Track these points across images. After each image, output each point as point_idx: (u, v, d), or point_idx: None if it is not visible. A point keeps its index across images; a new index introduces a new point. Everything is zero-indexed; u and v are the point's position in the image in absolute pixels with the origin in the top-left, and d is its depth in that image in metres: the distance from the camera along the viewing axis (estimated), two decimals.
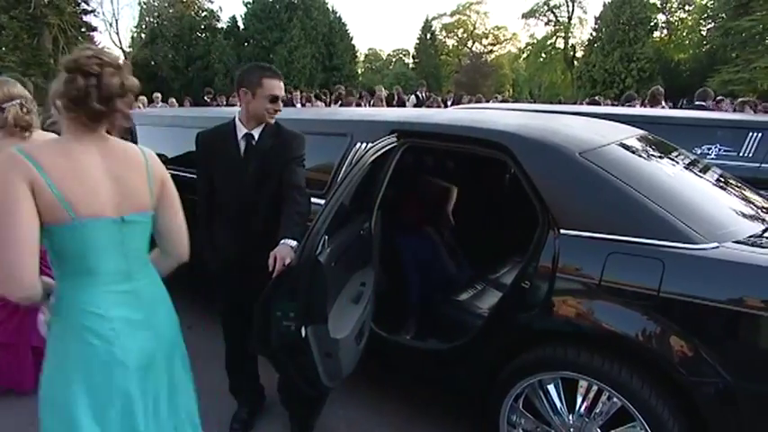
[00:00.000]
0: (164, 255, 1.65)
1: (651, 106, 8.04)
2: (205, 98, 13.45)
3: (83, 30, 27.82)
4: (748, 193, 2.59)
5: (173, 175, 1.65)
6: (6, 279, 1.31)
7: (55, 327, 1.47)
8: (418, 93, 11.68)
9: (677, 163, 2.54)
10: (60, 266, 1.44)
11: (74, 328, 1.43)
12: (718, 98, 9.42)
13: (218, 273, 2.51)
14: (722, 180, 2.61)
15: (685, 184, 2.37)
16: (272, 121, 2.37)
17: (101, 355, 1.42)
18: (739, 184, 2.68)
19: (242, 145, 2.37)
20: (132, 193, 1.48)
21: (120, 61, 1.43)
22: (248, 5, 33.40)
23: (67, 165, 1.37)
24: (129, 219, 1.46)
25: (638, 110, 7.59)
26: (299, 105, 10.69)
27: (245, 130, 2.37)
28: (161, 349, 1.58)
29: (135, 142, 2.41)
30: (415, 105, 11.01)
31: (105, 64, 1.37)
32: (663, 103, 8.18)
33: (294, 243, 2.02)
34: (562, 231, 2.02)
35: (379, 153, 2.31)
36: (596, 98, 15.31)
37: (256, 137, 2.37)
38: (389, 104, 10.68)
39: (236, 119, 2.40)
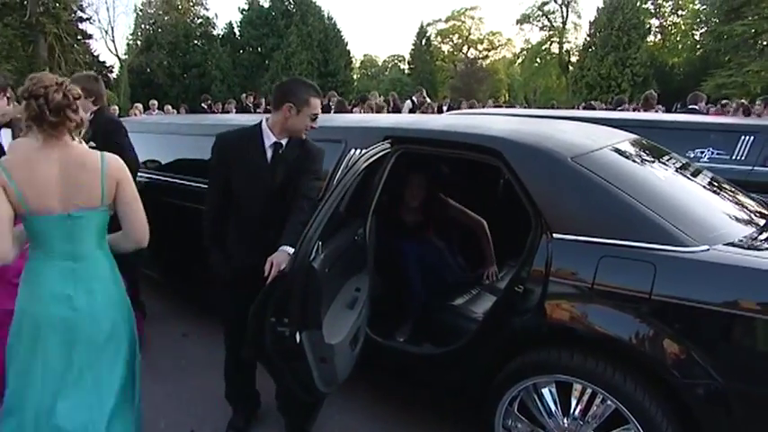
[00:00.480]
0: (124, 237, 2.01)
1: (645, 110, 8.09)
2: (203, 105, 13.48)
3: (78, 37, 27.87)
4: (739, 196, 2.61)
5: (167, 183, 1.68)
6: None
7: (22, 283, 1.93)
8: (414, 98, 11.70)
9: (669, 167, 2.56)
10: (30, 242, 1.90)
11: (28, 284, 1.90)
12: (724, 101, 9.48)
13: (228, 282, 2.43)
14: (713, 183, 2.63)
15: (676, 187, 2.39)
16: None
17: (38, 310, 1.86)
18: (730, 188, 2.70)
19: (269, 153, 2.35)
20: (82, 192, 1.84)
21: (60, 80, 1.82)
22: (244, 13, 33.53)
23: (28, 173, 1.78)
24: (75, 214, 1.84)
25: (631, 114, 7.65)
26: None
27: (274, 139, 2.34)
28: (88, 325, 1.90)
29: (115, 143, 2.88)
30: (411, 110, 11.04)
31: (47, 86, 1.76)
32: (655, 107, 8.24)
33: (292, 250, 2.05)
34: (555, 235, 2.04)
35: (373, 159, 2.32)
36: (591, 103, 15.41)
37: (284, 146, 2.36)
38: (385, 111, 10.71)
39: (264, 126, 2.36)
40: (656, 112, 8.25)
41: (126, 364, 2.00)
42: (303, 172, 2.36)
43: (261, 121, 2.39)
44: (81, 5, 28.06)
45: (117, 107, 14.43)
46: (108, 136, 3.24)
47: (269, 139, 2.35)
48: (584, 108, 12.91)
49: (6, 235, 1.76)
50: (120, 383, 1.97)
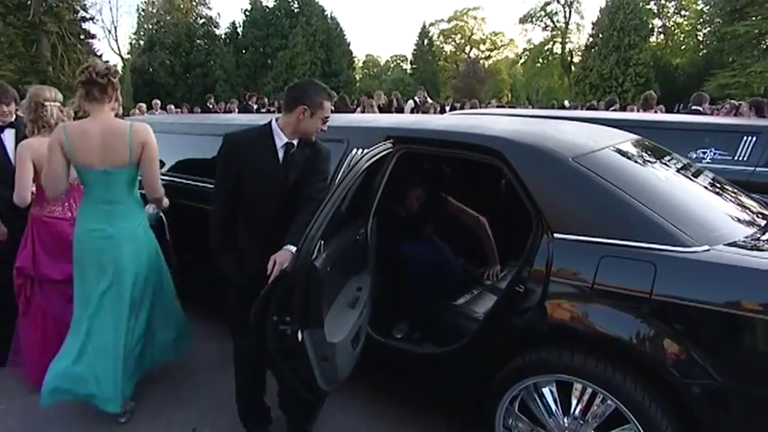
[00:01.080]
0: (147, 194, 2.70)
1: (644, 111, 8.08)
2: (207, 104, 13.54)
3: (81, 37, 27.90)
4: (740, 197, 2.62)
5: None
6: (52, 187, 2.61)
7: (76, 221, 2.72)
8: (416, 98, 11.71)
9: (669, 167, 2.56)
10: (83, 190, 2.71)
11: (78, 221, 2.69)
12: (738, 102, 9.41)
13: (241, 286, 2.34)
14: (714, 184, 2.63)
15: (677, 187, 2.40)
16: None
17: (83, 239, 2.64)
18: (731, 188, 2.70)
19: (281, 153, 2.33)
20: (113, 154, 2.54)
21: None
22: (247, 13, 33.56)
23: (79, 137, 2.51)
24: (110, 170, 2.56)
25: (632, 114, 7.64)
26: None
27: (286, 139, 2.33)
28: (121, 258, 2.62)
29: None
30: (413, 110, 11.05)
31: (90, 63, 2.60)
32: (655, 107, 8.24)
33: (295, 249, 2.06)
34: (555, 235, 2.05)
35: (375, 159, 2.33)
36: (593, 103, 15.38)
37: (295, 146, 2.36)
38: (388, 111, 10.72)
39: (275, 126, 2.34)
40: (656, 112, 8.23)
41: (150, 283, 2.75)
42: (313, 172, 2.37)
43: (271, 122, 2.38)
44: (84, 5, 28.13)
45: (120, 106, 14.46)
46: None
47: (280, 139, 2.33)
48: (587, 109, 12.90)
49: (62, 179, 2.57)
50: (149, 301, 2.76)
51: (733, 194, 2.61)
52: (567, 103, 22.13)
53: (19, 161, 2.91)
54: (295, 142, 2.35)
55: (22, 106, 3.16)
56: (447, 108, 11.88)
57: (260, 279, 2.09)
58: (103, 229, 2.59)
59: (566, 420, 2.04)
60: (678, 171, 2.56)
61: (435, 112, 9.10)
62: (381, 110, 10.89)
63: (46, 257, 3.03)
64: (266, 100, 13.11)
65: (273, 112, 10.43)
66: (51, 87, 3.20)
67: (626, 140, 2.70)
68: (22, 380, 3.16)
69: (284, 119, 2.34)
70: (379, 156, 2.39)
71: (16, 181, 2.92)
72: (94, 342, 2.62)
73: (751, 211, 2.43)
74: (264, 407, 2.64)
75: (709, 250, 1.83)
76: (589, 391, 1.97)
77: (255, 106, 12.62)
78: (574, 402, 2.02)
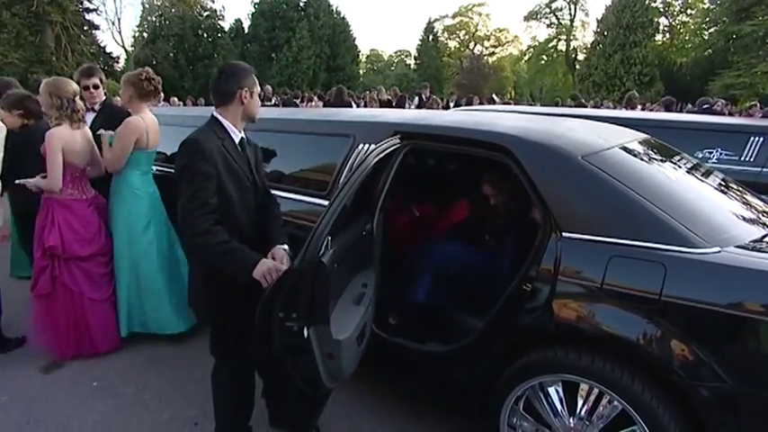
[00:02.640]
0: None
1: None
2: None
3: (85, 28, 27.90)
4: (750, 198, 2.59)
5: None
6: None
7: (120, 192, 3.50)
8: (422, 95, 11.66)
9: (679, 167, 2.54)
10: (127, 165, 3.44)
11: (126, 188, 3.48)
12: (751, 104, 9.35)
13: (244, 288, 2.05)
14: (724, 184, 2.61)
15: (687, 188, 2.37)
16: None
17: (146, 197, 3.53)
18: (741, 189, 2.68)
19: (240, 151, 2.21)
20: (157, 138, 3.51)
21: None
22: (256, 5, 33.43)
23: (151, 126, 3.46)
24: (152, 150, 3.54)
25: (640, 113, 7.60)
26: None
27: (239, 135, 2.21)
28: (157, 204, 3.59)
29: None
30: (418, 106, 11.01)
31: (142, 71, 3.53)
32: (637, 107, 8.21)
33: (287, 247, 2.13)
34: (564, 234, 2.03)
35: (383, 154, 2.31)
36: (582, 101, 15.29)
37: (245, 140, 2.27)
38: (390, 106, 10.68)
39: (225, 122, 2.17)
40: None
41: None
42: (260, 165, 2.34)
43: (215, 118, 2.18)
44: None
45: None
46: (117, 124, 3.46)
47: (236, 135, 2.21)
48: (593, 106, 12.83)
49: (126, 159, 3.38)
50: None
51: (743, 196, 2.58)
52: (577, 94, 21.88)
53: (51, 150, 3.16)
54: (244, 136, 2.26)
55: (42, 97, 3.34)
56: (451, 105, 11.83)
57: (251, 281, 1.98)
58: (154, 191, 3.57)
59: (571, 421, 2.03)
60: (688, 171, 2.54)
61: (438, 108, 9.05)
62: (383, 105, 10.87)
63: (72, 236, 3.30)
64: (270, 89, 13.04)
65: (277, 105, 10.36)
66: (68, 79, 3.46)
67: (635, 139, 2.68)
68: (26, 368, 3.17)
69: (227, 112, 2.18)
70: (388, 151, 2.36)
71: (49, 168, 3.18)
72: None
73: (762, 213, 2.41)
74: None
75: (720, 252, 1.81)
76: (595, 391, 1.95)
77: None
78: (580, 403, 2.00)
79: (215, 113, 2.20)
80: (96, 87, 3.85)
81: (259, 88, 2.25)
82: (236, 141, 2.20)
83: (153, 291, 3.48)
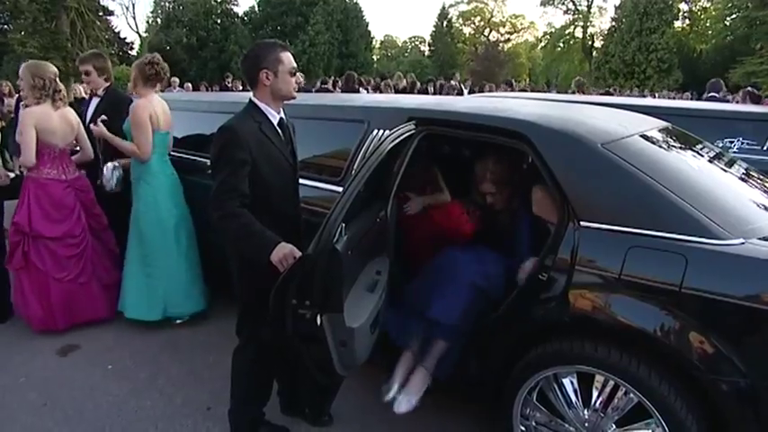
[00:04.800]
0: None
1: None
2: (226, 83, 13.55)
3: (100, 14, 27.92)
4: None
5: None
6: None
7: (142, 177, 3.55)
8: (438, 81, 11.58)
9: (702, 156, 2.48)
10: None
11: (149, 174, 3.53)
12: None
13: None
14: (748, 174, 2.54)
15: (710, 177, 2.31)
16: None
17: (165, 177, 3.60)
18: (766, 180, 2.61)
19: (280, 132, 2.23)
20: (168, 119, 3.61)
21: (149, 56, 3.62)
22: None
23: (160, 108, 3.56)
24: (165, 132, 3.58)
25: (659, 101, 7.46)
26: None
27: (278, 116, 2.22)
28: (178, 184, 3.66)
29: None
30: (433, 93, 10.92)
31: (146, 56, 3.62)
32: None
33: None
34: (582, 223, 1.99)
35: (398, 141, 2.28)
36: (610, 90, 15.08)
37: (285, 121, 2.28)
38: (408, 92, 10.58)
39: (261, 104, 2.19)
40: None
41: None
42: (296, 147, 2.34)
43: (251, 102, 2.21)
44: None
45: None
46: (120, 112, 3.62)
47: (274, 117, 2.21)
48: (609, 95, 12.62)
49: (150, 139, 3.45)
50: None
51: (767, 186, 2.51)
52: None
53: (23, 127, 3.28)
54: (284, 117, 2.27)
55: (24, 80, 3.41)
56: (465, 92, 11.71)
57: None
58: (173, 173, 3.63)
59: (585, 412, 2.00)
60: (711, 160, 2.47)
61: (454, 94, 8.96)
62: (399, 92, 10.76)
63: (40, 215, 3.40)
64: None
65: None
66: (48, 63, 3.62)
67: (656, 127, 2.61)
68: (44, 350, 3.21)
69: (259, 94, 2.20)
70: (402, 137, 2.33)
71: (21, 144, 3.30)
72: None
73: None
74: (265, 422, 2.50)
75: (744, 243, 1.76)
76: (611, 383, 1.92)
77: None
78: (595, 394, 1.97)
79: (251, 97, 2.23)
80: (88, 74, 3.85)
81: (291, 64, 2.19)
82: (275, 123, 2.22)
83: (176, 272, 3.55)
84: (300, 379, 2.49)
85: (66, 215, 3.47)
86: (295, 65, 2.23)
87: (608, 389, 1.94)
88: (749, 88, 7.52)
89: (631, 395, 1.87)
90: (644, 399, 1.83)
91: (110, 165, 3.60)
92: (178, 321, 3.63)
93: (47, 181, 3.41)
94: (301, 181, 2.85)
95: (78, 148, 3.69)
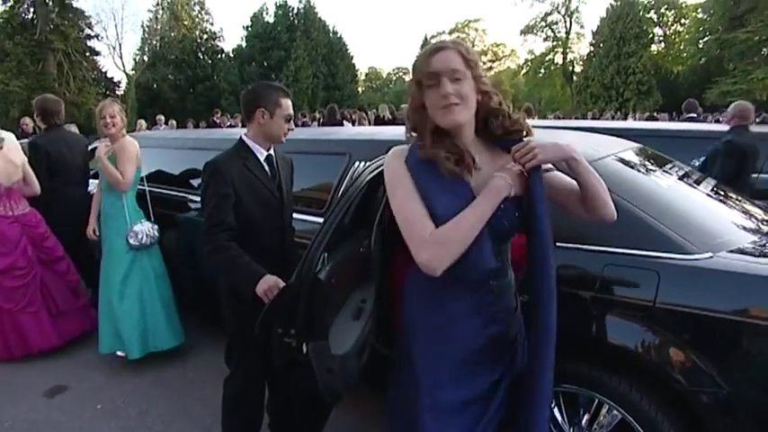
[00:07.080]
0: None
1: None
2: (214, 119, 13.72)
3: (87, 54, 28.22)
4: (743, 204, 2.61)
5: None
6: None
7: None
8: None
9: (671, 174, 2.56)
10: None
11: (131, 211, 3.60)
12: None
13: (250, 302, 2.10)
14: (716, 191, 2.63)
15: (679, 195, 2.39)
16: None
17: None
18: (734, 195, 2.70)
19: (266, 167, 2.32)
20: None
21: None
22: (248, 29, 33.87)
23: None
24: (140, 169, 3.67)
25: (633, 123, 7.64)
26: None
27: (265, 153, 2.32)
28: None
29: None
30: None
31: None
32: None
33: None
34: (557, 244, 2.04)
35: (378, 171, 2.34)
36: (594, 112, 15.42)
37: (274, 157, 2.36)
38: (384, 123, 10.70)
39: (249, 141, 2.30)
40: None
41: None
42: (289, 183, 2.41)
43: (240, 138, 2.32)
44: (89, 23, 28.51)
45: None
46: None
47: (261, 153, 2.31)
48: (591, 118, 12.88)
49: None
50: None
51: (736, 201, 2.60)
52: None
53: None
54: (273, 153, 2.35)
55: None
56: None
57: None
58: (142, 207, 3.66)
59: (572, 431, 2.03)
60: (680, 179, 2.56)
61: None
62: (380, 122, 10.88)
63: None
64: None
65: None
66: None
67: (627, 149, 2.70)
68: (30, 392, 3.17)
69: (250, 130, 2.31)
70: (381, 168, 2.39)
71: None
72: None
73: (754, 218, 2.43)
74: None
75: (712, 257, 1.83)
76: (595, 401, 1.95)
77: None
78: (580, 412, 2.00)
79: (242, 134, 2.34)
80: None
81: (288, 111, 2.29)
82: (262, 159, 2.29)
83: (156, 306, 3.58)
84: (290, 405, 2.49)
85: (10, 249, 3.67)
86: (291, 113, 2.33)
87: (592, 407, 1.97)
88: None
89: (615, 412, 1.90)
90: (626, 415, 1.87)
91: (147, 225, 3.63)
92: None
93: None
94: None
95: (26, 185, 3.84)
